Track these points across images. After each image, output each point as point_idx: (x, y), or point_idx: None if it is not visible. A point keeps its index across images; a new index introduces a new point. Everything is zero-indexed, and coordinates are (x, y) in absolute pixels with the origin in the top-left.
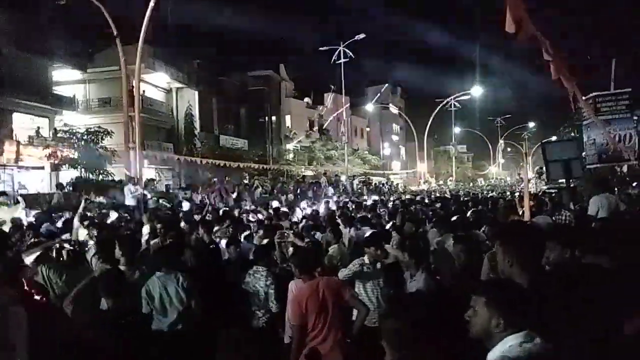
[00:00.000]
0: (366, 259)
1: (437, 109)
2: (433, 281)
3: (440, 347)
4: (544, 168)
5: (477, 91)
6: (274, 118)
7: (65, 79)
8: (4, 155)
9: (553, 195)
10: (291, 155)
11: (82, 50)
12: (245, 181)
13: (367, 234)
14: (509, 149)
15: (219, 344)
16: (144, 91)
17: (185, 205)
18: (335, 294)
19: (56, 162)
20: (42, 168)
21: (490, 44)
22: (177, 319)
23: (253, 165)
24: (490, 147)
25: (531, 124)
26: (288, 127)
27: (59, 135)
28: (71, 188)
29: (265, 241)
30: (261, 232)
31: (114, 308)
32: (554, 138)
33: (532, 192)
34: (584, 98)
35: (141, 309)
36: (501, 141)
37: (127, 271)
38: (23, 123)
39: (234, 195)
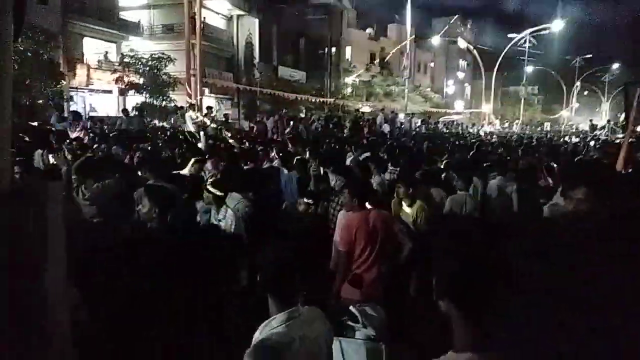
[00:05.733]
0: None
1: (510, 44)
2: None
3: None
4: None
5: (557, 26)
6: (333, 50)
7: (131, 4)
8: (76, 79)
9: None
10: (349, 90)
11: None
12: (302, 114)
13: None
14: (585, 92)
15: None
16: (204, 18)
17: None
18: (385, 226)
19: (123, 86)
20: (111, 92)
21: None
22: None
23: (310, 98)
24: (564, 89)
25: (615, 65)
26: (348, 59)
27: (125, 60)
28: (136, 112)
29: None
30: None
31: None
32: None
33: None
34: None
35: None
36: (578, 83)
37: None
38: (94, 48)
39: (288, 129)
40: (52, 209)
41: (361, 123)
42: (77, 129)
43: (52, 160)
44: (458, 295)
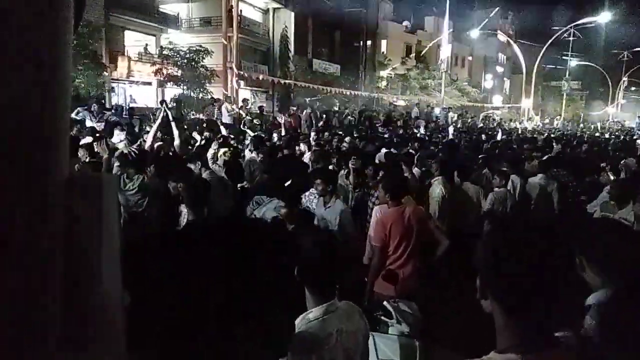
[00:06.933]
0: None
1: (553, 38)
2: None
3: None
4: None
5: (604, 18)
6: (369, 43)
7: None
8: (118, 70)
9: None
10: (384, 83)
11: None
12: (336, 108)
13: None
14: (633, 88)
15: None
16: (241, 11)
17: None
18: (420, 222)
19: (162, 78)
20: (150, 84)
21: None
22: None
23: (345, 91)
24: (610, 84)
25: None
26: (383, 52)
27: (164, 52)
28: (174, 104)
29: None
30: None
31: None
32: None
33: None
34: None
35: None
36: (625, 78)
37: None
38: (134, 41)
39: (321, 123)
40: (108, 201)
41: (395, 118)
42: (98, 120)
43: (95, 149)
44: (505, 294)
